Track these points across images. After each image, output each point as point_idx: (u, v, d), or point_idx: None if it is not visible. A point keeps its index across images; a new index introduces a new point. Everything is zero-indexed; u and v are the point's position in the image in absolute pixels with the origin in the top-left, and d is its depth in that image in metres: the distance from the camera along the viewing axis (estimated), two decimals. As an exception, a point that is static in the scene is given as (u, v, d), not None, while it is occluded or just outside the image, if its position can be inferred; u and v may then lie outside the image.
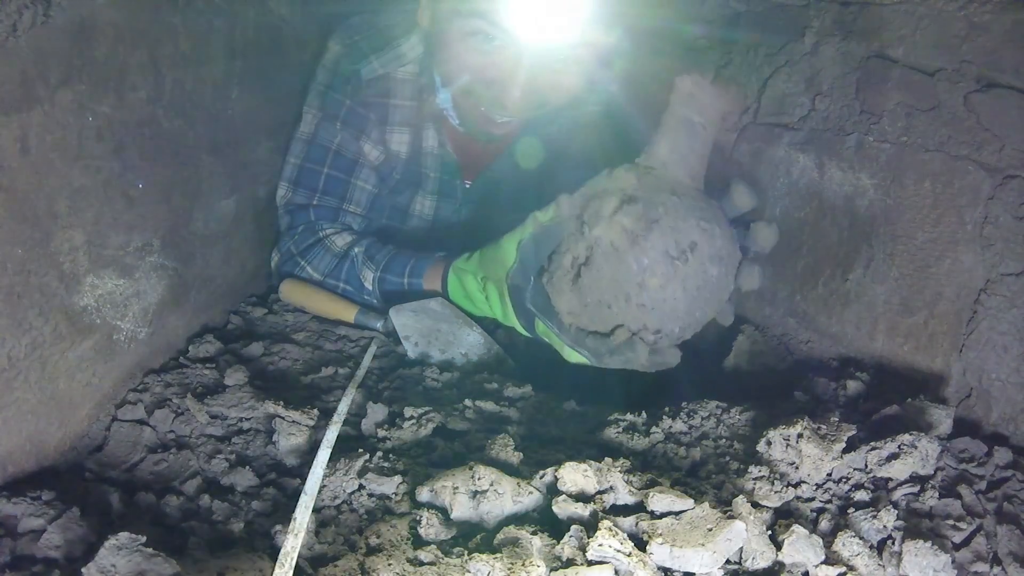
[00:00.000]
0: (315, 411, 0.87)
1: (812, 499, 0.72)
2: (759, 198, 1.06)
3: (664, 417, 0.88)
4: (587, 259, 0.92)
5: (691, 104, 0.99)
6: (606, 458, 0.75)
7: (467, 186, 1.55)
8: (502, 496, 0.68)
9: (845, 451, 0.74)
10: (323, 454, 0.76)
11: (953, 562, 0.63)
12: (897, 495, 0.71)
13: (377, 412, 0.89)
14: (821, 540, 0.65)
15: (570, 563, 0.60)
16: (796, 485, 0.74)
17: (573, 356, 1.00)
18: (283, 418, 0.86)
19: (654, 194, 0.93)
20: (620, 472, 0.71)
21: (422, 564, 0.62)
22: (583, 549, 0.60)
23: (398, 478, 0.75)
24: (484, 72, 1.21)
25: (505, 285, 1.02)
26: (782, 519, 0.69)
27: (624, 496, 0.68)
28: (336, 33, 1.38)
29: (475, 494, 0.68)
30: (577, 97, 1.35)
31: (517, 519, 0.68)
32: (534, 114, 1.32)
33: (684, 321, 0.94)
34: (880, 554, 0.65)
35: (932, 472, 0.73)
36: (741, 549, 0.64)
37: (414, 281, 1.24)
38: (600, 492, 0.69)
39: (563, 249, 0.95)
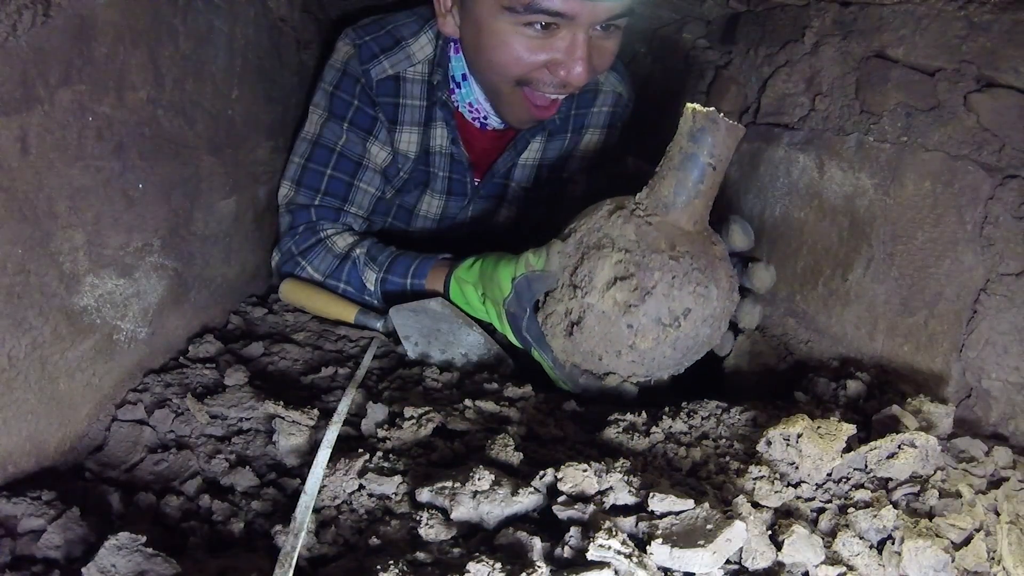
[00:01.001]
0: (315, 411, 0.87)
1: (812, 499, 0.72)
2: (753, 237, 1.01)
3: (664, 417, 0.88)
4: (579, 319, 0.92)
5: (701, 140, 0.89)
6: (606, 458, 0.75)
7: (476, 183, 1.55)
8: (502, 496, 0.68)
9: (845, 451, 0.74)
10: (323, 454, 0.76)
11: (953, 562, 0.63)
12: (897, 495, 0.71)
13: (377, 412, 0.89)
14: (821, 540, 0.65)
15: (570, 564, 0.60)
16: (796, 485, 0.74)
17: (565, 386, 1.03)
18: (283, 418, 0.86)
19: (650, 257, 0.89)
20: (620, 472, 0.71)
21: (422, 564, 0.62)
22: (583, 550, 0.60)
23: (398, 478, 0.74)
24: (545, 57, 1.18)
25: (502, 309, 1.04)
26: (782, 519, 0.69)
27: (624, 496, 0.68)
28: (345, 33, 1.37)
29: (475, 494, 0.68)
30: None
31: (517, 519, 0.68)
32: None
33: (674, 369, 0.98)
34: (880, 554, 0.65)
35: (932, 472, 0.73)
36: (741, 549, 0.64)
37: (416, 282, 1.24)
38: (600, 492, 0.69)
39: (557, 297, 0.96)
